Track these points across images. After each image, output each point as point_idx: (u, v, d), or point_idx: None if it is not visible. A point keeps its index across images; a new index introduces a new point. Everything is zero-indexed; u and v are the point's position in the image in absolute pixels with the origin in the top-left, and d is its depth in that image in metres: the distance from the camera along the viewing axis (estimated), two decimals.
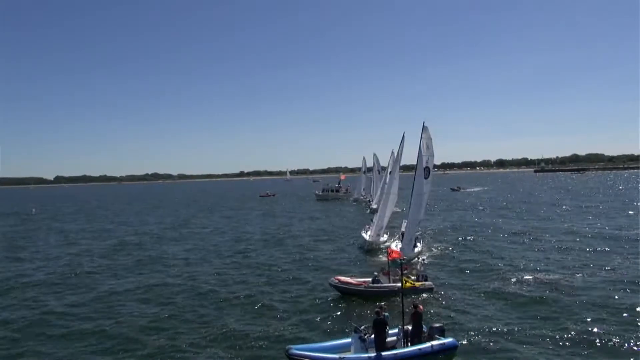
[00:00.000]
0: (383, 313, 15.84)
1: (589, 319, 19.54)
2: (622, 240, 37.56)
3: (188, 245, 43.49)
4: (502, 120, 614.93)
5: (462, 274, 28.55)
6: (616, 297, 22.38)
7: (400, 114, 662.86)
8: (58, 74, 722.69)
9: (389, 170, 69.20)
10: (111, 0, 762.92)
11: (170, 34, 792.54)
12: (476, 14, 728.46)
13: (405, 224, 33.76)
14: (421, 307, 16.69)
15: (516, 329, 18.82)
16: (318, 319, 20.71)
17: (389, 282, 24.41)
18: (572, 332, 18.23)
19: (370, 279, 24.69)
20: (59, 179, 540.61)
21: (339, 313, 21.58)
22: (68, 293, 26.79)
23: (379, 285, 24.15)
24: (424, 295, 23.20)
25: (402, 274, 18.06)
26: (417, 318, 16.18)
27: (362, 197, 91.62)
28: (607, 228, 45.05)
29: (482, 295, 23.66)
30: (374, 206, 66.46)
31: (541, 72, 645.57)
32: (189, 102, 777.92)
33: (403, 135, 38.03)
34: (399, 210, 68.95)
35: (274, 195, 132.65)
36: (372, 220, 39.57)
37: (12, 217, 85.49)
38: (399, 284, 23.48)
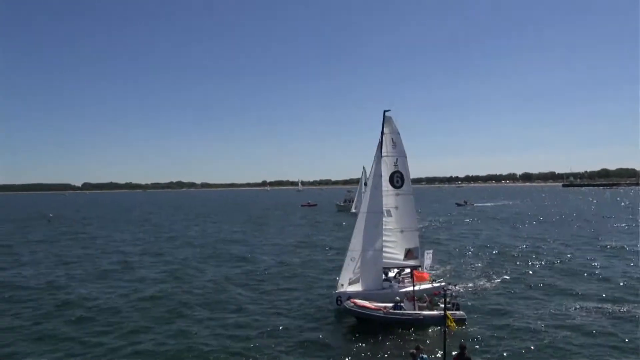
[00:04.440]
0: (420, 355, 13.38)
1: None
2: None
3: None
4: (529, 132, 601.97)
5: (497, 301, 25.03)
6: None
7: (423, 123, 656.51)
8: (87, 85, 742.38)
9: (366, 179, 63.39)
10: (151, 13, 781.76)
11: (200, 47, 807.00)
12: (503, 17, 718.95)
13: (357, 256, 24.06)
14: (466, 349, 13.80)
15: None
16: (332, 353, 18.34)
17: (414, 309, 21.43)
18: None
19: (391, 304, 21.70)
20: (86, 186, 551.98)
21: (356, 344, 19.17)
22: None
23: (400, 312, 21.15)
24: (460, 327, 20.29)
25: (445, 306, 15.06)
26: None
27: None
28: None
29: (522, 327, 20.69)
30: None
31: (569, 83, 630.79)
32: (214, 112, 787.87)
33: (384, 116, 24.72)
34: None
35: (315, 205, 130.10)
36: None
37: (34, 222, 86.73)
38: (426, 312, 21.19)
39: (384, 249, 24.56)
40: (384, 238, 24.64)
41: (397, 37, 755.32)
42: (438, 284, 24.92)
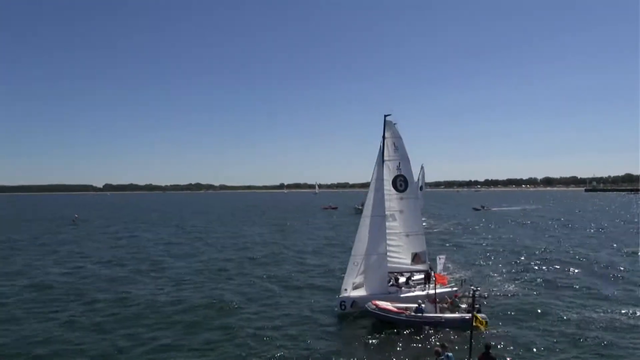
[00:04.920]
0: (445, 353, 13.75)
1: None
2: None
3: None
4: (549, 136, 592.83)
5: (519, 304, 24.97)
6: None
7: (443, 128, 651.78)
8: (107, 89, 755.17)
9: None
10: (172, 18, 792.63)
11: (220, 52, 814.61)
12: (526, 20, 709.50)
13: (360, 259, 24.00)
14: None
15: None
16: (355, 353, 18.54)
17: (435, 311, 21.45)
18: None
19: (413, 306, 21.71)
20: (107, 187, 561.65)
21: (378, 345, 19.37)
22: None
23: (423, 315, 21.12)
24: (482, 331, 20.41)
25: (473, 307, 15.17)
26: None
27: None
28: None
29: (545, 329, 20.79)
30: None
31: (591, 87, 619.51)
32: (232, 115, 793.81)
33: (385, 121, 24.75)
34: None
35: (336, 208, 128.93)
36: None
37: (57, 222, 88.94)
38: (448, 314, 21.43)
39: (390, 254, 24.43)
40: (390, 242, 24.53)
41: (418, 42, 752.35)
42: (449, 289, 24.55)
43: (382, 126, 24.66)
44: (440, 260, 25.15)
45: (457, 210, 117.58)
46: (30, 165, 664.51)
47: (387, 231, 24.45)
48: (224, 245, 51.11)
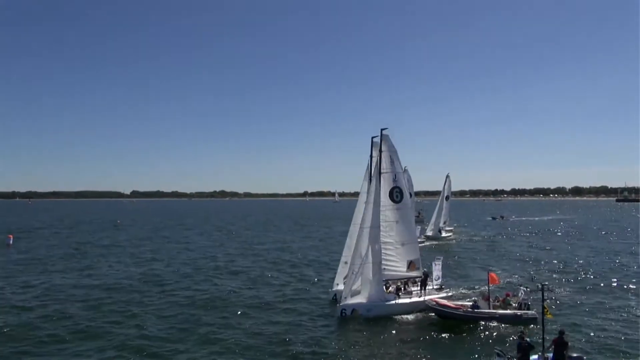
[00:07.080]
0: (525, 339, 15.56)
1: None
2: None
3: None
4: (579, 145, 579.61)
5: (566, 305, 26.34)
6: None
7: (471, 137, 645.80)
8: (134, 100, 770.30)
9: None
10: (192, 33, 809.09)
11: (242, 64, 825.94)
12: (557, 30, 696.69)
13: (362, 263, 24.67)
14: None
15: None
16: (421, 342, 20.21)
17: (489, 308, 23.02)
18: None
19: (469, 303, 23.57)
20: (135, 194, 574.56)
21: (439, 336, 21.04)
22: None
23: (479, 310, 22.79)
24: (531, 325, 21.80)
25: (543, 299, 16.44)
26: (561, 346, 15.10)
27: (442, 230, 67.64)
28: None
29: (593, 332, 21.59)
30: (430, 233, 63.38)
31: (621, 94, 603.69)
32: (257, 123, 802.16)
33: (381, 134, 25.83)
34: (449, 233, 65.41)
35: None
36: None
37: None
38: (501, 311, 22.97)
39: (387, 263, 25.43)
40: (386, 252, 25.46)
41: (446, 53, 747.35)
42: (445, 294, 26.07)
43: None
44: (437, 263, 26.92)
45: (474, 220, 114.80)
46: (61, 172, 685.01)
47: (384, 241, 25.38)
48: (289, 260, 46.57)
